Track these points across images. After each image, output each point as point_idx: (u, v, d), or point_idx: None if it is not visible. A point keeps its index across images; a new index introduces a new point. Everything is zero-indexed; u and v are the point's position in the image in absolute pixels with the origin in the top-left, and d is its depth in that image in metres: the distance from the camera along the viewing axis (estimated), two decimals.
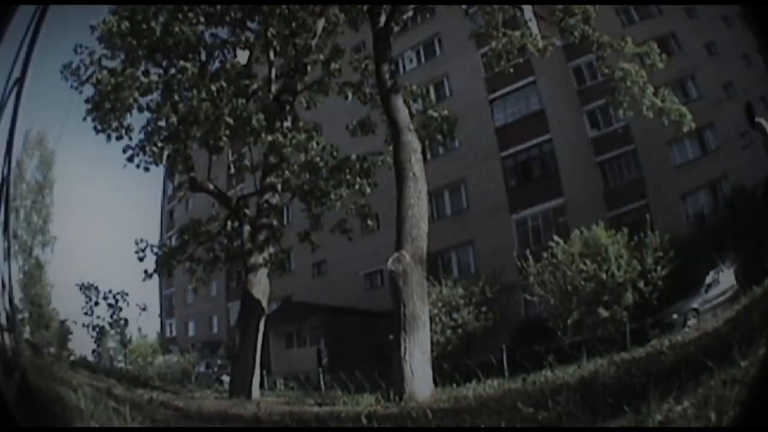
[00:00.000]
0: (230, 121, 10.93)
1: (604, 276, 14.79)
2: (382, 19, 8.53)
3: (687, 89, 21.25)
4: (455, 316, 18.64)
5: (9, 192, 3.53)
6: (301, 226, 14.24)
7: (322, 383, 14.29)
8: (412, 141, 7.49)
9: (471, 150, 23.50)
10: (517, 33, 11.20)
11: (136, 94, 10.74)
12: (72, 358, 19.24)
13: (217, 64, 13.24)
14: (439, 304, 18.30)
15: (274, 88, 12.59)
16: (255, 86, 12.52)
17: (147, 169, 12.14)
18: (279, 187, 12.04)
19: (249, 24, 13.24)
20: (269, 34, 12.74)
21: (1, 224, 3.53)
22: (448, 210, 24.51)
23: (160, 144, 11.97)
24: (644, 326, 12.58)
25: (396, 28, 8.72)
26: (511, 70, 11.65)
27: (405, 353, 6.31)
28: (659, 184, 21.68)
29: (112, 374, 9.49)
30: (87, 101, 11.43)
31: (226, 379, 20.59)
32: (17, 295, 16.61)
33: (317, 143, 12.06)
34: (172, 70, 11.80)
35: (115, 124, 11.38)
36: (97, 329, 25.56)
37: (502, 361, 11.79)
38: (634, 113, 11.16)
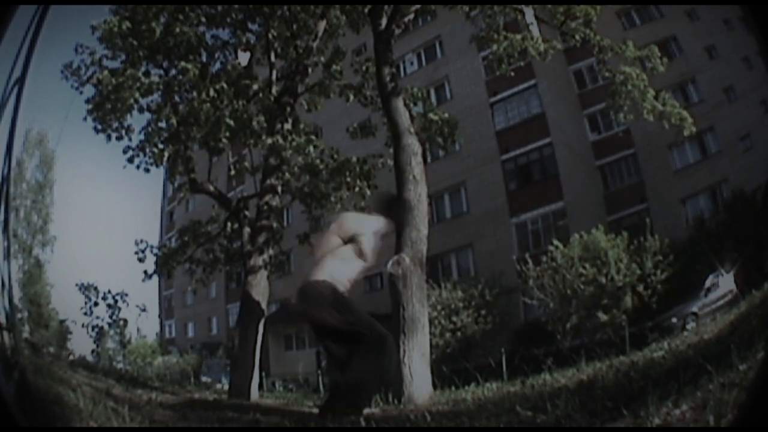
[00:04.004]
0: (231, 122, 10.92)
1: (603, 280, 14.80)
2: (383, 21, 8.51)
3: (688, 93, 21.32)
4: (454, 319, 18.66)
5: (9, 192, 3.53)
6: (301, 228, 14.19)
7: (321, 385, 14.29)
8: (412, 144, 7.46)
9: (471, 153, 23.50)
10: (519, 36, 11.19)
11: (137, 95, 10.70)
12: (71, 357, 19.26)
13: (218, 65, 13.22)
14: (439, 307, 18.32)
15: (274, 89, 12.57)
16: (256, 88, 12.51)
17: (147, 170, 12.10)
18: (279, 189, 12.01)
19: (250, 25, 13.24)
20: (270, 36, 12.73)
21: (1, 224, 3.53)
22: (448, 213, 24.55)
23: (160, 145, 11.97)
24: (643, 330, 12.57)
25: (397, 31, 8.69)
26: (512, 73, 11.63)
27: (404, 356, 6.29)
28: (659, 187, 21.73)
29: (111, 374, 9.45)
30: (87, 101, 11.41)
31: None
32: (17, 294, 16.62)
33: (317, 145, 12.04)
34: (173, 71, 11.78)
35: (115, 125, 11.37)
36: (97, 329, 25.58)
37: (501, 364, 11.78)
38: (635, 117, 11.16)
